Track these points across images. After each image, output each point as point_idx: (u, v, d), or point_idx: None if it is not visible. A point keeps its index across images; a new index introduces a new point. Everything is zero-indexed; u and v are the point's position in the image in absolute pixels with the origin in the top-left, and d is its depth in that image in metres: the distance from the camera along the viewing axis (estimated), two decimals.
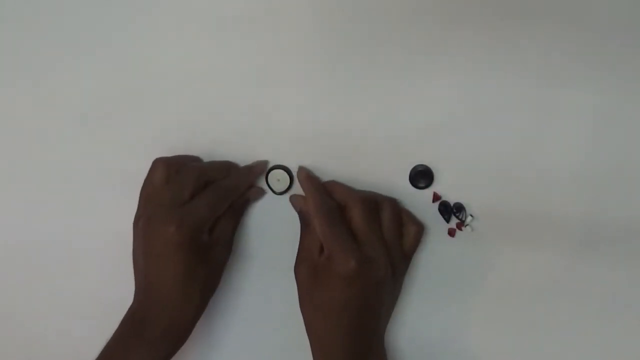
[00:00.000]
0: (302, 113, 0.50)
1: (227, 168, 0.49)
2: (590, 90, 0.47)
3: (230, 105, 0.51)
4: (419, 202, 0.49)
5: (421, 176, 0.49)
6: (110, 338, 0.45)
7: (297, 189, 0.50)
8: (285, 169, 0.50)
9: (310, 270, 0.46)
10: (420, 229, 0.48)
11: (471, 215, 0.49)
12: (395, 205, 0.47)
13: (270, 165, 0.50)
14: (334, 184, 0.49)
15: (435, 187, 0.49)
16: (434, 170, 0.49)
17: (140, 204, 0.47)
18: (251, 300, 0.52)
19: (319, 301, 0.44)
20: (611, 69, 0.47)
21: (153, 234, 0.43)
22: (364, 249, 0.44)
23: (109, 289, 0.53)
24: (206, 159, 0.51)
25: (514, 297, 0.50)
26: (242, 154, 0.51)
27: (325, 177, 0.50)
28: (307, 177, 0.48)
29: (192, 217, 0.43)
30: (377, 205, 0.46)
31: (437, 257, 0.50)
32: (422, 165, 0.49)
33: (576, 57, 0.47)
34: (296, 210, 0.49)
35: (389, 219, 0.46)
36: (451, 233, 0.49)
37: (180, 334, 0.45)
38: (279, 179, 0.50)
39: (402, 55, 0.48)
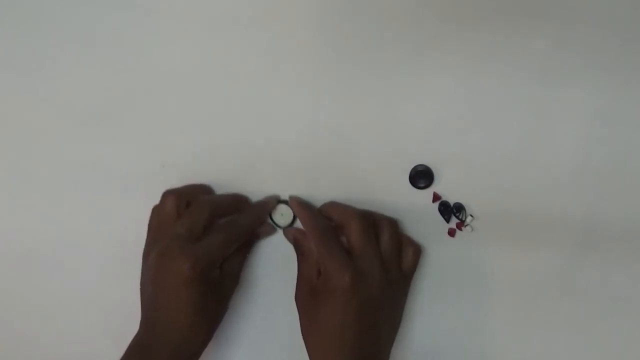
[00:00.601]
0: (302, 113, 0.50)
1: (239, 202, 0.50)
2: (590, 90, 0.47)
3: (230, 105, 0.51)
4: (419, 202, 0.49)
5: (421, 176, 0.49)
6: None
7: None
8: (289, 204, 0.50)
9: (308, 293, 0.46)
10: (418, 250, 0.48)
11: (471, 215, 0.49)
12: (394, 226, 0.47)
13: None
14: (332, 204, 0.49)
15: (435, 187, 0.49)
16: (434, 170, 0.49)
17: (150, 235, 0.48)
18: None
19: (319, 321, 0.45)
20: (611, 69, 0.47)
21: (165, 269, 0.44)
22: (358, 263, 0.44)
23: (109, 289, 0.53)
24: (207, 158, 0.51)
25: (514, 297, 0.50)
26: (242, 152, 0.51)
27: (325, 178, 0.50)
28: (299, 203, 0.49)
29: (205, 255, 0.44)
30: (375, 223, 0.47)
31: (437, 257, 0.50)
32: (422, 165, 0.49)
33: (576, 57, 0.47)
34: (290, 242, 0.50)
35: (388, 238, 0.46)
36: (451, 233, 0.49)
37: None
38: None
39: (402, 55, 0.48)
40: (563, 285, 0.49)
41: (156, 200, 0.51)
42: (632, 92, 0.47)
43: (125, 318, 0.53)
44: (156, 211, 0.48)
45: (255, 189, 0.51)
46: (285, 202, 0.51)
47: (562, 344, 0.50)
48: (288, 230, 0.50)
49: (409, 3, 0.48)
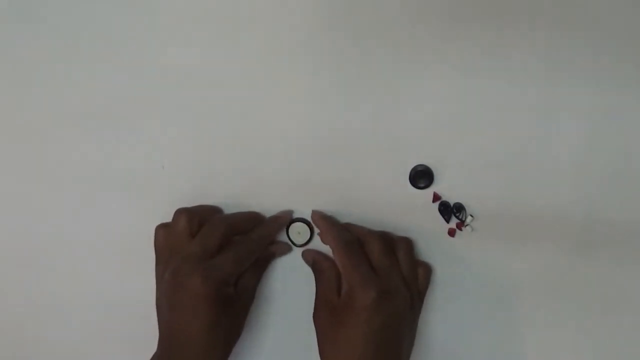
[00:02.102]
0: (302, 113, 0.50)
1: (252, 219, 0.50)
2: (590, 90, 0.47)
3: (230, 105, 0.51)
4: (419, 202, 0.49)
5: (421, 176, 0.49)
6: None
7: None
8: (306, 222, 0.50)
9: (329, 313, 0.46)
10: (429, 269, 0.49)
11: (471, 215, 0.49)
12: (410, 244, 0.48)
13: (293, 216, 0.51)
14: (349, 224, 0.49)
15: (435, 187, 0.49)
16: (434, 170, 0.49)
17: (162, 255, 0.48)
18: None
19: (339, 340, 0.44)
20: (611, 68, 0.47)
21: (179, 287, 0.43)
22: (384, 281, 0.44)
23: (110, 289, 0.53)
24: (207, 158, 0.51)
25: (514, 297, 0.50)
26: (243, 152, 0.51)
27: (325, 178, 0.50)
28: (322, 216, 0.49)
29: (218, 272, 0.44)
30: (392, 243, 0.47)
31: (437, 257, 0.50)
32: (422, 165, 0.49)
33: (576, 57, 0.47)
34: (309, 264, 0.50)
35: (405, 257, 0.47)
36: (451, 233, 0.49)
37: None
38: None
39: (402, 55, 0.48)
40: (563, 285, 0.49)
41: (156, 199, 0.51)
42: (632, 92, 0.47)
43: (125, 318, 0.53)
44: (167, 230, 0.48)
45: (255, 189, 0.51)
46: (301, 220, 0.50)
47: (562, 344, 0.50)
48: (307, 253, 0.50)
49: (409, 4, 0.48)
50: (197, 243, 0.45)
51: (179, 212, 0.47)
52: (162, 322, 0.46)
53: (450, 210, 0.49)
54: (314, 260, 0.49)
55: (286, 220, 0.50)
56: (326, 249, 0.50)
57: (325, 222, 0.48)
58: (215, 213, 0.50)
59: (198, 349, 0.44)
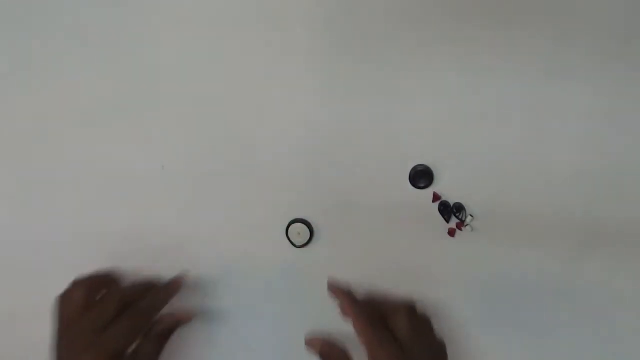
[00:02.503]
0: (302, 113, 0.50)
1: (147, 289, 0.48)
2: (591, 90, 0.47)
3: (231, 104, 0.51)
4: (419, 202, 0.49)
5: (421, 176, 0.49)
6: None
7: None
8: (306, 223, 0.50)
9: None
10: (444, 345, 0.47)
11: (471, 215, 0.49)
12: (429, 321, 0.47)
13: (290, 219, 0.50)
14: (370, 295, 0.48)
15: (435, 187, 0.49)
16: (434, 170, 0.49)
17: (58, 327, 0.47)
18: None
19: None
20: (611, 68, 0.47)
21: None
22: (411, 355, 0.43)
23: None
24: (206, 158, 0.51)
25: (514, 296, 0.50)
26: (243, 152, 0.51)
27: (325, 178, 0.50)
28: (342, 291, 0.47)
29: (111, 344, 0.43)
30: (417, 318, 0.46)
31: (437, 257, 0.50)
32: (422, 165, 0.49)
33: (576, 58, 0.47)
34: (316, 353, 0.47)
35: (430, 332, 0.46)
36: (451, 233, 0.49)
37: None
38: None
39: (402, 56, 0.48)
40: (563, 285, 0.49)
41: (156, 200, 0.51)
42: (632, 92, 0.47)
43: None
44: (64, 301, 0.47)
45: (255, 189, 0.51)
46: (301, 220, 0.50)
47: (562, 344, 0.50)
48: (313, 342, 0.48)
49: (409, 4, 0.48)
50: (90, 317, 0.45)
51: (76, 284, 0.47)
52: None
53: (450, 210, 0.49)
54: (321, 351, 0.47)
55: (178, 287, 0.49)
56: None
57: (346, 298, 0.46)
58: (111, 281, 0.49)
59: None
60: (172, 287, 0.49)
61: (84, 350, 0.43)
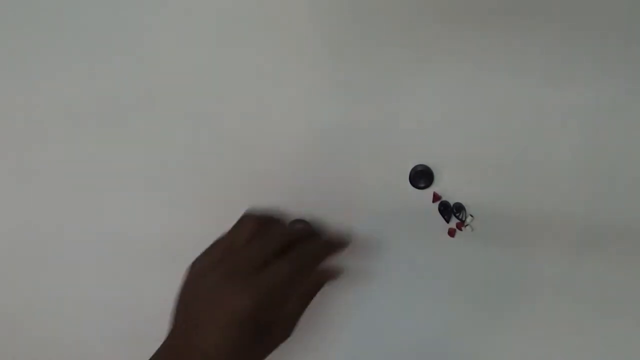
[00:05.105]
0: (302, 113, 0.50)
1: (312, 235, 0.46)
2: (591, 90, 0.47)
3: (231, 104, 0.51)
4: (419, 202, 0.49)
5: (421, 176, 0.49)
6: None
7: None
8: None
9: None
10: None
11: (471, 215, 0.49)
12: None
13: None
14: None
15: (435, 187, 0.49)
16: (434, 170, 0.49)
17: (213, 254, 0.44)
18: None
19: None
20: (611, 68, 0.47)
21: (223, 294, 0.40)
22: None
23: (109, 289, 0.53)
24: (207, 158, 0.51)
25: (514, 297, 0.50)
26: (243, 152, 0.51)
27: (325, 178, 0.50)
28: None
29: (267, 282, 0.40)
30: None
31: (437, 257, 0.50)
32: (422, 165, 0.49)
33: (576, 57, 0.47)
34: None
35: None
36: (451, 233, 0.49)
37: None
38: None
39: (402, 56, 0.48)
40: (562, 285, 0.49)
41: (156, 200, 0.51)
42: (632, 92, 0.47)
43: (125, 318, 0.53)
44: (230, 234, 0.44)
45: (255, 189, 0.51)
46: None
47: (562, 344, 0.50)
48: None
49: (410, 5, 0.48)
50: (255, 247, 0.42)
51: (246, 217, 0.44)
52: (183, 315, 0.42)
53: (450, 210, 0.49)
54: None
55: (344, 245, 0.45)
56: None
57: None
58: (278, 221, 0.46)
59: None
60: (338, 243, 0.46)
61: (239, 288, 0.39)
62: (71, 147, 0.52)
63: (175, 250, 0.52)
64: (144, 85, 0.51)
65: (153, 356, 0.42)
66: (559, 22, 0.47)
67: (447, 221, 0.49)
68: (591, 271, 0.49)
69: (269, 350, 0.42)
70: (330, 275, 0.46)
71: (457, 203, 0.49)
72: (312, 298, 0.45)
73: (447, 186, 0.49)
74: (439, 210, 0.49)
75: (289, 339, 0.43)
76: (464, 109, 0.48)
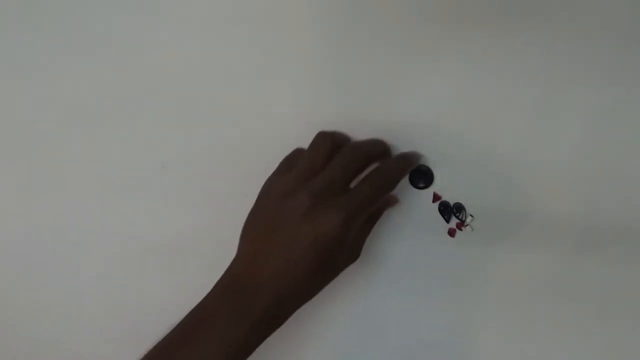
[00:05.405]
0: (301, 113, 0.50)
1: (388, 151, 0.46)
2: (590, 90, 0.47)
3: (230, 104, 0.51)
4: (419, 202, 0.49)
5: (421, 176, 0.49)
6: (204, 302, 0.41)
7: None
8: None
9: None
10: None
11: (471, 215, 0.49)
12: None
13: None
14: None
15: (435, 187, 0.49)
16: (434, 170, 0.49)
17: (295, 174, 0.43)
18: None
19: None
20: (611, 68, 0.47)
21: (314, 213, 0.39)
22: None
23: (109, 289, 0.53)
24: (207, 158, 0.51)
25: (514, 297, 0.50)
26: (243, 152, 0.51)
27: None
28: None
29: (357, 211, 0.40)
30: None
31: (437, 257, 0.50)
32: (422, 165, 0.49)
33: (576, 57, 0.47)
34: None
35: None
36: (451, 233, 0.49)
37: (280, 319, 0.41)
38: None
39: (402, 55, 0.48)
40: (563, 285, 0.49)
41: (156, 200, 0.51)
42: (632, 92, 0.47)
43: (125, 318, 0.53)
44: (311, 151, 0.44)
45: (255, 189, 0.51)
46: None
47: (562, 344, 0.50)
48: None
49: (409, 4, 0.48)
50: (336, 171, 0.41)
51: (323, 134, 0.44)
52: (255, 236, 0.42)
53: (450, 210, 0.49)
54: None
55: (419, 159, 0.46)
56: None
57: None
58: (350, 143, 0.45)
59: (286, 287, 0.39)
60: (412, 160, 0.47)
61: (330, 207, 0.39)
62: (71, 147, 0.52)
63: (175, 250, 0.52)
64: (144, 85, 0.51)
65: (219, 280, 0.42)
66: (559, 22, 0.47)
67: (447, 221, 0.49)
68: (591, 271, 0.49)
69: (338, 272, 0.43)
70: (392, 201, 0.48)
71: (457, 203, 0.49)
72: (376, 222, 0.47)
73: (447, 186, 0.49)
74: (439, 210, 0.49)
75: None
76: (464, 108, 0.48)
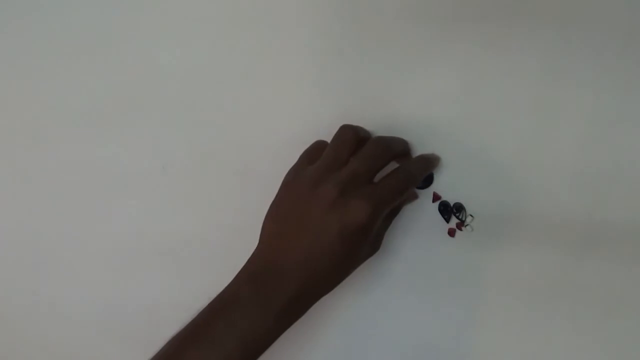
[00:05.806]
0: (301, 113, 0.50)
1: (408, 149, 0.47)
2: (591, 90, 0.47)
3: (230, 104, 0.51)
4: (419, 202, 0.49)
5: None
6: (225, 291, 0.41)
7: None
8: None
9: None
10: None
11: (471, 215, 0.49)
12: None
13: None
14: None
15: (435, 187, 0.49)
16: (434, 170, 0.49)
17: (323, 165, 0.43)
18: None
19: None
20: (611, 68, 0.47)
21: (339, 206, 0.39)
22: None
23: (109, 289, 0.53)
24: (207, 159, 0.51)
25: (514, 297, 0.50)
26: (243, 152, 0.51)
27: None
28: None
29: (382, 202, 0.40)
30: None
31: (437, 257, 0.50)
32: None
33: (576, 57, 0.47)
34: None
35: None
36: (451, 233, 0.49)
37: (300, 310, 0.41)
38: None
39: (401, 54, 0.48)
40: (563, 286, 0.49)
41: (156, 201, 0.51)
42: (632, 92, 0.47)
43: (126, 318, 0.53)
44: (335, 143, 0.44)
45: (255, 189, 0.51)
46: None
47: (562, 344, 0.50)
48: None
49: (409, 4, 0.48)
50: (362, 162, 0.41)
51: (347, 127, 0.44)
52: (278, 228, 0.42)
53: (450, 210, 0.49)
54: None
55: (439, 161, 0.47)
56: None
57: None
58: (373, 139, 0.46)
59: (309, 276, 0.39)
60: (434, 161, 0.47)
61: (357, 198, 0.39)
62: (71, 147, 0.52)
63: (176, 250, 0.52)
64: (144, 86, 0.51)
65: (245, 264, 0.42)
66: (559, 22, 0.47)
67: (447, 221, 0.49)
68: (591, 271, 0.49)
69: (359, 263, 0.44)
70: (412, 197, 0.49)
71: (457, 203, 0.49)
72: (394, 217, 0.47)
73: (447, 186, 0.49)
74: (439, 210, 0.49)
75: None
76: (464, 108, 0.48)
